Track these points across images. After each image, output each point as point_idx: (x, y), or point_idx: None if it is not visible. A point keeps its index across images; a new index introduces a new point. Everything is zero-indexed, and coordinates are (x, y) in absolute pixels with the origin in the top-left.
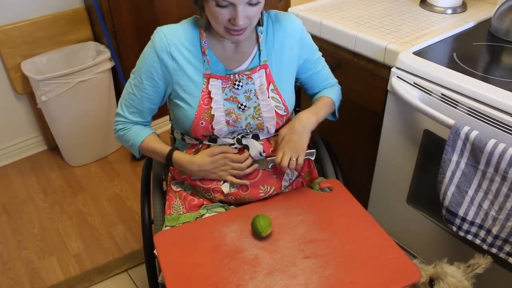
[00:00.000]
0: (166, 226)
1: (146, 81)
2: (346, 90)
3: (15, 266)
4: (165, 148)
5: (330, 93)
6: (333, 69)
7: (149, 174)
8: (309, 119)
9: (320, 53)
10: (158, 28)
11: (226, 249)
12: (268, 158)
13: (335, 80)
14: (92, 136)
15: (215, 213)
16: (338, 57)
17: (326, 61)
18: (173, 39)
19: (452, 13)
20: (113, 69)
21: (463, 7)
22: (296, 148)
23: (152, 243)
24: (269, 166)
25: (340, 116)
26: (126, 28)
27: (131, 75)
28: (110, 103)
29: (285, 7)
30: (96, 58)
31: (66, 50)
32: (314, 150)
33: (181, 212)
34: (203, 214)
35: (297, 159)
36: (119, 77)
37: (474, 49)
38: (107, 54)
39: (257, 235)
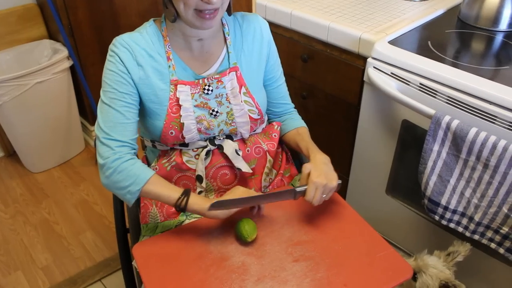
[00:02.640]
0: (143, 236)
1: (121, 89)
2: (319, 82)
3: None
4: (174, 193)
5: (298, 122)
6: (304, 61)
7: None
8: (325, 156)
9: (282, 70)
10: (117, 38)
11: (211, 257)
12: (297, 189)
13: (293, 105)
14: (53, 140)
15: (195, 219)
16: (310, 48)
17: (297, 52)
18: (136, 47)
19: (421, 0)
20: (72, 68)
21: None
22: (330, 179)
23: (129, 254)
24: (296, 198)
25: (314, 108)
26: (83, 24)
27: (102, 95)
28: (70, 104)
29: None
30: (53, 57)
31: (18, 49)
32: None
33: (159, 220)
34: (183, 221)
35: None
36: (79, 76)
37: (447, 37)
38: (64, 52)
39: (242, 240)
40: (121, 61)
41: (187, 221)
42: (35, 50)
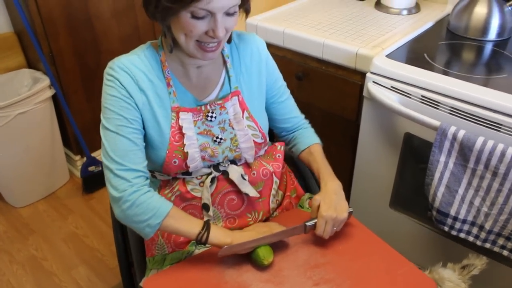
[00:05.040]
0: (150, 269)
1: (127, 115)
2: (315, 100)
3: None
4: (194, 228)
5: (310, 138)
6: (299, 79)
7: None
8: (337, 183)
9: (285, 83)
10: (114, 61)
11: (227, 287)
12: (307, 224)
13: (303, 116)
14: (36, 172)
15: (206, 248)
16: (305, 66)
17: (291, 71)
18: (136, 71)
19: (408, 14)
20: (53, 97)
21: (417, 8)
22: (340, 211)
23: None
24: (307, 232)
25: (312, 127)
26: (64, 51)
27: (105, 122)
28: (53, 133)
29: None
30: (33, 86)
31: None
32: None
33: (167, 252)
34: (192, 252)
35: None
36: (62, 104)
37: (441, 48)
38: (45, 81)
39: (259, 264)
40: (122, 85)
41: (196, 251)
42: (14, 80)
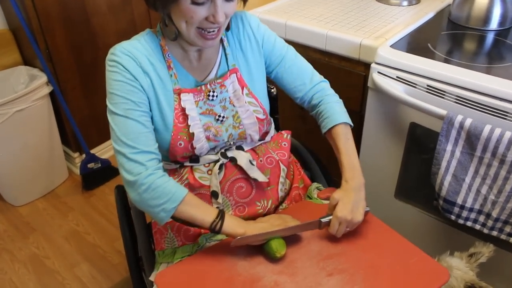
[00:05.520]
0: (160, 263)
1: (135, 98)
2: None
3: None
4: (208, 216)
5: (333, 117)
6: None
7: (126, 206)
8: (358, 181)
9: (291, 47)
10: (115, 47)
11: (241, 279)
12: (322, 220)
13: (324, 83)
14: (35, 170)
15: (217, 241)
16: (307, 58)
17: None
18: (138, 54)
19: (408, 5)
20: (51, 94)
21: None
22: (355, 214)
23: (144, 284)
24: (321, 228)
25: (314, 119)
26: (61, 47)
27: (113, 107)
28: (51, 131)
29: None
30: (30, 83)
31: None
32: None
33: (176, 245)
34: (203, 245)
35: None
36: (60, 101)
37: (444, 38)
38: (42, 78)
39: (271, 256)
40: (126, 69)
41: (207, 244)
42: (10, 77)
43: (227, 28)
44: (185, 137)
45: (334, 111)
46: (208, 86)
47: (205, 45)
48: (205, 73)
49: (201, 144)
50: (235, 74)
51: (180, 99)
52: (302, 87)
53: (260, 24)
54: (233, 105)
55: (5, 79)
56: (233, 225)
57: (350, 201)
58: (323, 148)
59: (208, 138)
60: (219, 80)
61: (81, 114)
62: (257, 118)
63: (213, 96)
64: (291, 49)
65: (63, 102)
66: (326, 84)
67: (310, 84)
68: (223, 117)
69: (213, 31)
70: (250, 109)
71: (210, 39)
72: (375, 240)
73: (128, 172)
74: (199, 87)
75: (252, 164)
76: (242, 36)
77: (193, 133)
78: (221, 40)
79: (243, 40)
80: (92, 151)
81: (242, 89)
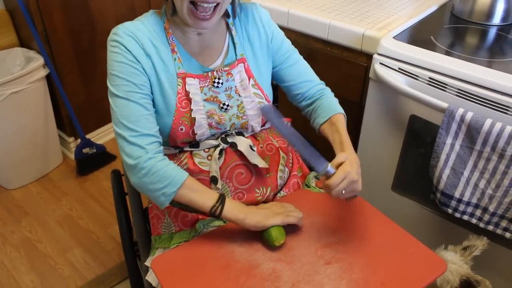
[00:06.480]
0: (157, 248)
1: (136, 80)
2: None
3: None
4: (209, 200)
5: (332, 108)
6: None
7: (122, 191)
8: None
9: (295, 49)
10: (118, 27)
11: (238, 266)
12: (328, 167)
13: (322, 84)
14: (29, 153)
15: (214, 228)
16: (309, 48)
17: None
18: (141, 35)
19: None
20: (47, 77)
21: None
22: (358, 179)
23: (138, 270)
24: (321, 172)
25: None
26: (58, 30)
27: (114, 89)
28: (47, 114)
29: None
30: (26, 66)
31: None
32: None
33: (173, 231)
34: (200, 231)
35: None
36: (56, 84)
37: (447, 31)
38: (39, 60)
39: (270, 245)
40: (128, 50)
41: (204, 230)
42: (6, 59)
43: (234, 16)
44: (186, 122)
45: (334, 104)
46: (215, 73)
47: (197, 25)
48: (211, 59)
49: (202, 130)
50: (242, 64)
51: (184, 83)
52: (307, 83)
53: (270, 20)
54: (239, 95)
55: (1, 60)
56: (233, 210)
57: (355, 164)
58: (320, 138)
59: (210, 125)
60: (226, 68)
61: (77, 99)
62: None
63: (218, 83)
64: (296, 50)
65: (59, 85)
66: (327, 90)
67: (314, 81)
68: (228, 105)
69: (206, 8)
70: (256, 100)
71: (203, 20)
72: (374, 230)
73: (128, 155)
74: (205, 73)
75: (253, 150)
76: (250, 27)
77: (194, 118)
78: (229, 29)
79: (251, 31)
80: (87, 136)
81: (249, 79)
